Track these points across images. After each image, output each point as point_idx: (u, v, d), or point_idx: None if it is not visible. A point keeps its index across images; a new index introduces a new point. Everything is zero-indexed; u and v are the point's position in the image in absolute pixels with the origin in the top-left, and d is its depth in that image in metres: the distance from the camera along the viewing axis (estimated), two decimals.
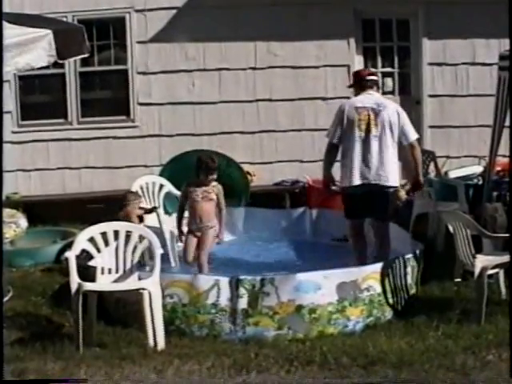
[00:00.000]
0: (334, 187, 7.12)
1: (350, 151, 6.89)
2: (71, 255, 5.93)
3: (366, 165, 6.85)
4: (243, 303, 6.05)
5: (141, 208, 7.72)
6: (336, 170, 7.08)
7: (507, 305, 6.03)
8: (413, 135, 6.97)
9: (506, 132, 7.75)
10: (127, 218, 7.29)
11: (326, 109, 10.22)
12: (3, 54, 5.29)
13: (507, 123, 7.67)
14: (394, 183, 6.91)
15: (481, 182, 8.70)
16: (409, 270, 6.64)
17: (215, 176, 7.15)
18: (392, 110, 6.95)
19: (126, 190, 8.00)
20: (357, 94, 7.10)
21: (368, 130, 6.85)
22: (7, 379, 4.86)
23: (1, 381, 4.66)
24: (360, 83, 7.10)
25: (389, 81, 10.67)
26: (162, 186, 8.42)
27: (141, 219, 7.60)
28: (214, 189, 7.15)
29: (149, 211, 7.76)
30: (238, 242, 8.59)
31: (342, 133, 6.92)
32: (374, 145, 6.85)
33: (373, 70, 6.98)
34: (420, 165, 7.08)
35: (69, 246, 6.62)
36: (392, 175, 6.89)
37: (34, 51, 6.02)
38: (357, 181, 6.86)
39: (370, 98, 7.00)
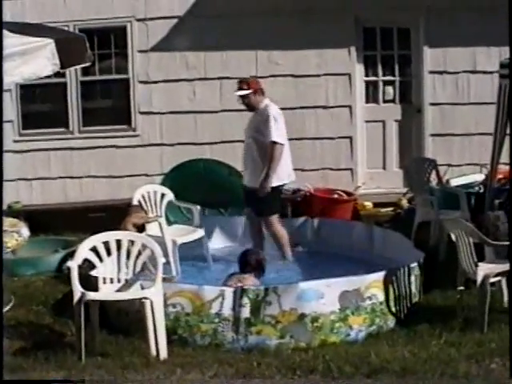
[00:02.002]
0: None
1: (285, 150, 7.89)
2: (73, 265, 5.92)
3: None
4: (246, 312, 6.04)
5: (142, 217, 7.72)
6: None
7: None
8: None
9: (507, 140, 7.77)
10: (123, 227, 7.30)
11: (327, 117, 10.29)
12: (4, 63, 5.30)
13: (508, 131, 7.68)
14: None
15: (482, 190, 8.72)
16: (413, 278, 6.63)
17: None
18: None
19: (128, 200, 8.01)
20: (256, 101, 7.94)
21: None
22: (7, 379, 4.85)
23: (1, 381, 4.65)
24: (262, 91, 8.00)
25: (390, 89, 10.67)
26: (163, 195, 8.39)
27: (142, 229, 7.60)
28: None
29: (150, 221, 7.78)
30: (239, 251, 8.56)
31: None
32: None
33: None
34: None
35: (70, 256, 6.63)
36: None
37: (37, 60, 6.02)
38: (293, 175, 8.14)
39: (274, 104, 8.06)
